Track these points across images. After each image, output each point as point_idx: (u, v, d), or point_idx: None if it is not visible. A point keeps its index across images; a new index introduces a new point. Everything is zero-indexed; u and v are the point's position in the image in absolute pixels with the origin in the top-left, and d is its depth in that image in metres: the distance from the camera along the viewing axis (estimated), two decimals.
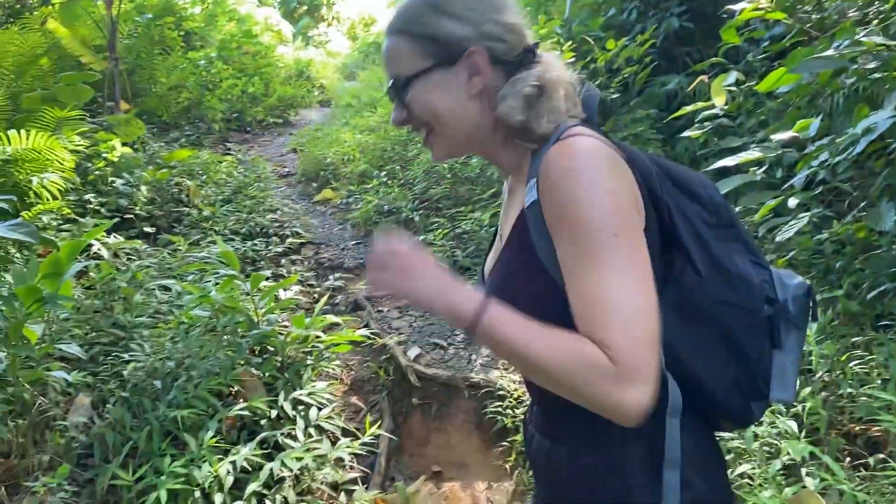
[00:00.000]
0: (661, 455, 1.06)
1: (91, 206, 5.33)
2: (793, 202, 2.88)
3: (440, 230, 5.76)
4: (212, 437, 2.88)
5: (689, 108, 3.67)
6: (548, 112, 1.11)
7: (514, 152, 1.18)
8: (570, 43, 5.66)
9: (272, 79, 12.63)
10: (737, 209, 3.87)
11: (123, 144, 6.21)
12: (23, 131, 4.97)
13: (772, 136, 3.02)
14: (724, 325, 1.09)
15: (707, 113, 3.66)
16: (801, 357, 1.19)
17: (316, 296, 5.14)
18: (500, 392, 3.58)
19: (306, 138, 10.20)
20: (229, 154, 9.19)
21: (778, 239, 3.21)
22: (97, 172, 5.63)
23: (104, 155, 5.77)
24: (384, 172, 7.58)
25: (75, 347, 3.05)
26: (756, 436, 2.54)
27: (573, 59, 5.51)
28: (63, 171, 5.08)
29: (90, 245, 4.34)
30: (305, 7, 23.92)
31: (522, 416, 3.50)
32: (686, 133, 3.84)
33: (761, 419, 1.26)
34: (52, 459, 2.92)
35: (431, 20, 1.13)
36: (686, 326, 1.07)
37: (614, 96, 5.43)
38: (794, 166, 3.26)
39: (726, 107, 3.64)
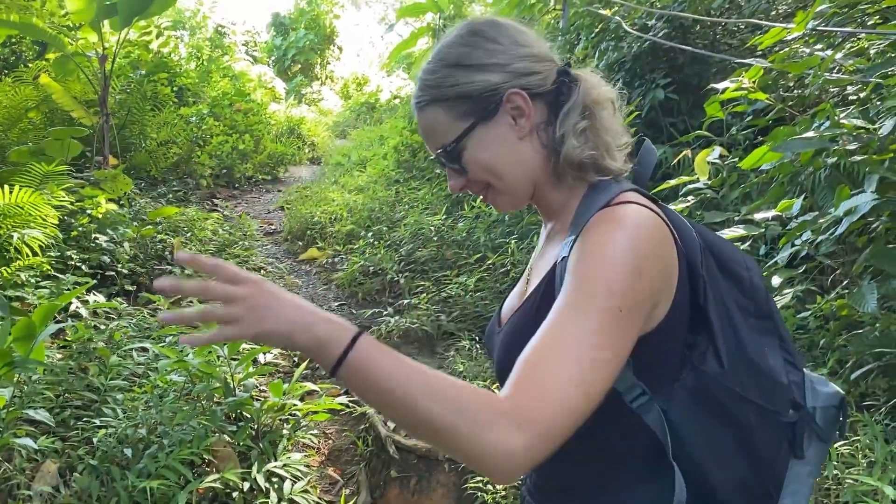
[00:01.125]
0: None
1: (72, 262, 5.27)
2: (777, 280, 2.88)
3: (425, 294, 5.72)
4: None
5: (673, 182, 3.70)
6: (606, 146, 1.11)
7: (564, 193, 1.15)
8: None
9: (263, 135, 12.74)
10: None
11: (110, 200, 6.19)
12: (7, 186, 4.94)
13: (755, 216, 3.03)
14: (739, 422, 1.02)
15: (691, 187, 3.69)
16: (819, 470, 1.12)
17: (296, 359, 5.07)
18: None
19: (294, 196, 10.22)
20: (216, 210, 9.18)
21: None
22: (81, 228, 5.59)
23: (89, 211, 5.74)
24: (371, 233, 7.58)
25: (43, 413, 2.97)
26: None
27: None
28: (45, 227, 5.04)
29: (70, 303, 4.27)
30: (299, 65, 24.32)
31: (503, 493, 3.42)
32: (671, 205, 3.86)
33: None
34: None
35: (458, 79, 1.09)
36: (698, 415, 1.01)
37: None
38: (778, 240, 3.27)
39: (710, 181, 3.67)
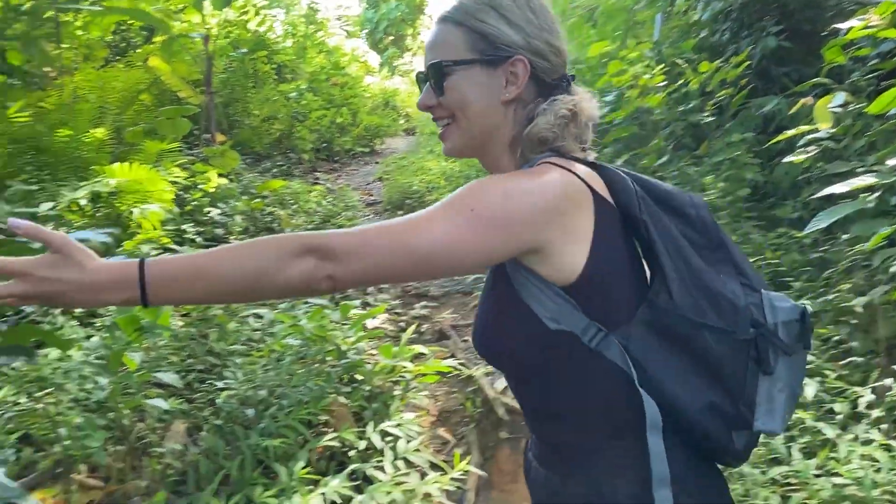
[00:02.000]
0: (650, 481, 1.05)
1: (188, 234, 5.52)
2: None
3: None
4: (302, 468, 2.88)
5: (791, 132, 3.50)
6: (572, 137, 1.16)
7: (510, 165, 1.21)
8: (661, 66, 5.53)
9: (359, 109, 12.91)
10: (845, 237, 3.66)
11: (219, 175, 6.42)
12: (126, 164, 5.20)
13: (885, 161, 2.83)
14: (699, 347, 1.07)
15: (811, 137, 3.48)
16: (796, 385, 1.14)
17: (402, 324, 5.15)
18: None
19: (392, 167, 10.34)
20: (318, 183, 9.40)
21: (893, 269, 3.00)
22: (194, 203, 5.83)
23: (201, 186, 5.97)
24: None
25: (172, 376, 3.12)
26: None
27: (664, 83, 5.38)
28: (163, 202, 5.28)
29: None
30: (391, 37, 24.45)
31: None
32: (789, 158, 3.66)
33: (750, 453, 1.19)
34: (148, 485, 2.98)
35: (488, 18, 1.16)
36: (660, 346, 1.08)
37: (708, 120, 5.26)
38: None
39: (832, 130, 3.46)
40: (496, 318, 1.15)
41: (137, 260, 0.97)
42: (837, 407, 2.86)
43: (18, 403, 3.21)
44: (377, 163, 11.50)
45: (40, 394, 3.11)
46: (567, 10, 10.14)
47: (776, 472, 2.52)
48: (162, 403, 3.03)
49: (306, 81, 12.27)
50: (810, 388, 2.88)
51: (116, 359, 2.86)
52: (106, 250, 4.18)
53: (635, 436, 1.08)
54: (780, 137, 3.59)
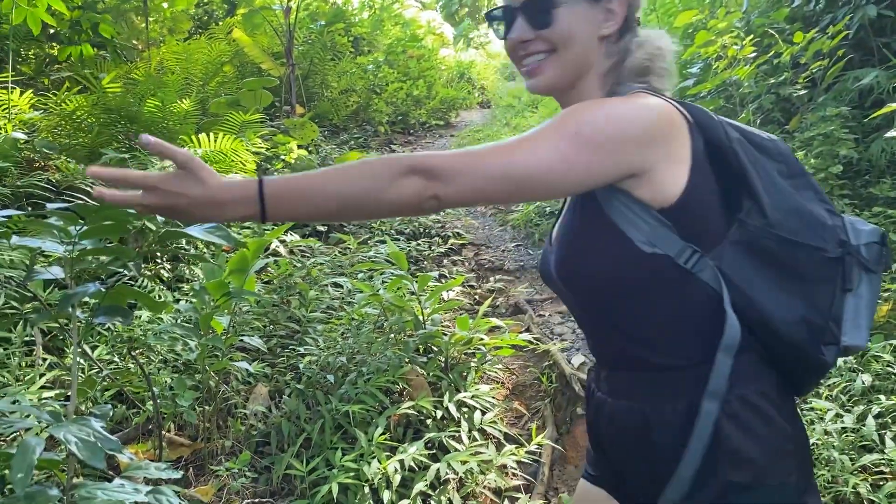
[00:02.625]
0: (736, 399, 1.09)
1: None
2: None
3: None
4: (380, 434, 2.94)
5: (893, 106, 3.32)
6: (661, 73, 1.21)
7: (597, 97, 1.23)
8: (750, 37, 5.32)
9: (435, 81, 12.90)
10: None
11: (299, 146, 6.54)
12: (211, 134, 5.34)
13: None
14: (789, 263, 1.11)
15: None
16: (875, 303, 1.17)
17: (477, 297, 5.16)
18: None
19: (467, 140, 10.32)
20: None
21: None
22: (275, 173, 5.96)
23: (282, 157, 6.09)
24: None
25: (257, 340, 3.22)
26: None
27: (754, 54, 5.17)
28: (245, 172, 5.41)
29: (269, 243, 4.59)
30: (466, 9, 24.27)
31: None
32: (889, 134, 3.49)
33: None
34: (233, 445, 3.10)
35: None
36: (752, 265, 1.10)
37: (800, 93, 5.04)
38: None
39: None
40: (585, 244, 1.16)
41: (256, 178, 1.02)
42: None
43: (113, 362, 3.37)
44: (452, 136, 11.49)
45: (135, 353, 3.25)
46: None
47: (867, 459, 2.43)
48: (246, 366, 3.12)
49: (383, 54, 12.33)
50: None
51: (205, 322, 2.96)
52: None
53: (725, 353, 1.10)
54: (879, 113, 3.41)
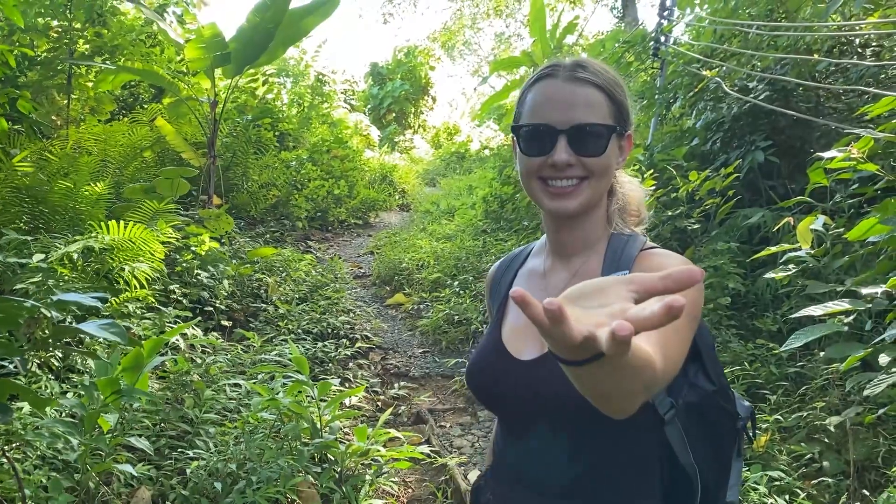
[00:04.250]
0: None
1: (175, 295, 5.53)
2: (884, 359, 2.75)
3: None
4: None
5: (774, 249, 3.60)
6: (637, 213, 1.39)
7: (597, 229, 1.33)
8: (651, 171, 5.70)
9: (357, 181, 13.11)
10: (822, 354, 3.72)
11: (212, 238, 6.48)
12: (121, 222, 5.26)
13: (862, 290, 2.92)
14: (719, 430, 1.26)
15: (792, 255, 3.58)
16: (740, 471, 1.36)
17: (379, 403, 5.13)
18: None
19: (384, 241, 10.44)
20: (310, 252, 9.47)
21: (866, 392, 3.05)
22: (184, 264, 5.87)
23: (193, 248, 6.02)
24: (457, 282, 7.64)
25: (144, 442, 3.10)
26: None
27: (654, 187, 5.53)
28: (153, 262, 5.32)
29: (168, 340, 4.47)
30: (394, 114, 24.99)
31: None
32: (770, 274, 3.76)
33: None
34: None
35: (622, 92, 1.29)
36: (698, 424, 1.23)
37: (695, 226, 5.39)
38: (884, 315, 3.13)
39: (812, 250, 3.57)
40: None
41: None
42: None
43: None
44: (370, 236, 11.62)
45: (8, 449, 3.07)
46: None
47: None
48: (130, 469, 2.99)
49: (307, 151, 12.50)
50: None
51: (91, 420, 2.85)
52: (91, 311, 4.20)
53: (657, 500, 1.23)
54: (763, 253, 3.69)
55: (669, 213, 5.54)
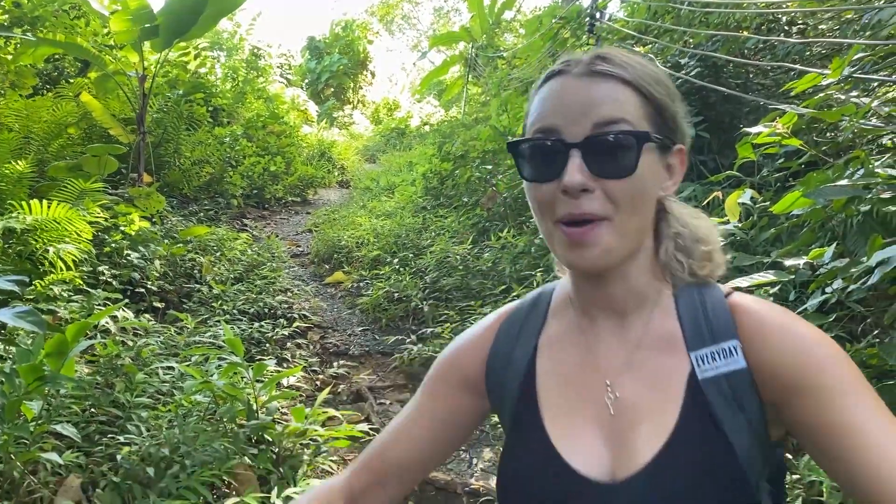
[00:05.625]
0: None
1: (104, 277, 5.36)
2: None
3: (449, 323, 5.73)
4: None
5: None
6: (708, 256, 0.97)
7: (651, 283, 0.95)
8: None
9: (294, 158, 12.90)
10: None
11: (143, 217, 6.30)
12: (45, 201, 5.06)
13: (785, 261, 3.01)
14: None
15: (721, 228, 3.67)
16: None
17: (318, 383, 5.09)
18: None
19: (323, 219, 10.33)
20: (246, 230, 9.30)
21: None
22: (113, 245, 5.69)
23: (122, 228, 5.84)
24: (397, 259, 7.62)
25: (71, 429, 3.01)
26: None
27: None
28: (80, 243, 5.14)
29: (97, 322, 4.34)
30: (332, 89, 24.66)
31: None
32: None
33: None
34: None
35: (667, 92, 0.91)
36: None
37: None
38: (808, 286, 3.24)
39: (740, 223, 3.66)
40: (701, 479, 0.84)
41: None
42: None
43: None
44: (308, 213, 11.47)
45: None
46: (504, 80, 10.49)
47: None
48: (56, 458, 2.90)
49: (242, 127, 12.23)
50: None
51: (13, 408, 2.74)
52: (12, 295, 4.04)
53: None
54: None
55: None
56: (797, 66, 4.70)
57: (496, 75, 11.43)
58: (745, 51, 5.84)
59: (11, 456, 2.87)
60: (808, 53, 5.33)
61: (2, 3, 8.67)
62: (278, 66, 21.38)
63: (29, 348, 2.93)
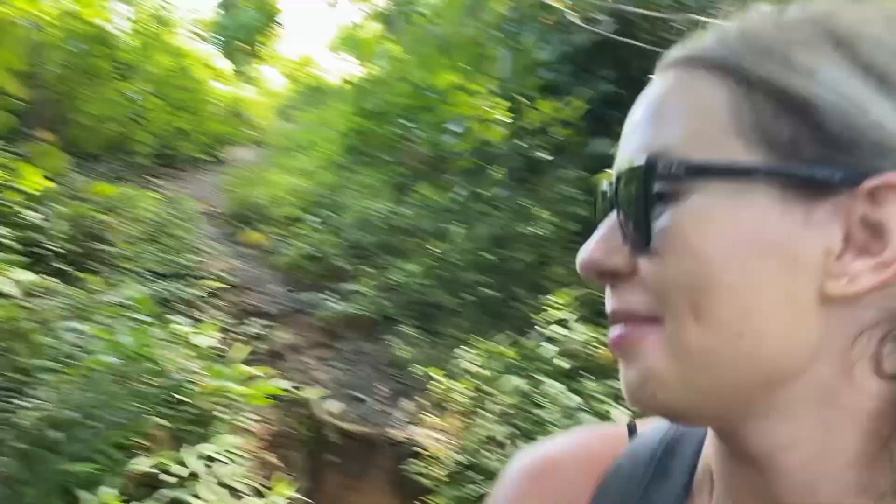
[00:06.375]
0: None
1: (4, 240, 5.08)
2: None
3: (370, 279, 5.70)
4: (115, 495, 2.71)
5: (608, 171, 3.76)
6: None
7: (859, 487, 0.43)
8: (504, 102, 5.76)
9: (206, 115, 12.46)
10: None
11: (45, 177, 5.97)
12: None
13: None
14: None
15: None
16: None
17: (236, 342, 4.99)
18: (418, 449, 3.51)
19: (237, 178, 10.05)
20: (156, 189, 8.96)
21: None
22: (12, 205, 5.39)
23: (20, 187, 5.53)
24: (316, 217, 7.50)
25: None
26: None
27: (511, 120, 5.61)
28: None
29: None
30: (245, 45, 23.87)
31: (441, 475, 3.43)
32: None
33: None
34: None
35: (825, 66, 0.42)
36: None
37: (546, 157, 5.53)
38: None
39: None
40: None
41: None
42: None
43: None
44: (222, 173, 11.14)
45: None
46: (422, 37, 10.35)
47: None
48: None
49: (149, 84, 11.70)
50: None
51: None
52: None
53: None
54: (601, 176, 3.84)
55: (521, 144, 5.66)
56: (702, 18, 4.80)
57: (412, 32, 11.25)
58: (660, 7, 5.92)
59: None
60: (711, 9, 5.45)
61: None
62: (188, 21, 20.47)
63: None
